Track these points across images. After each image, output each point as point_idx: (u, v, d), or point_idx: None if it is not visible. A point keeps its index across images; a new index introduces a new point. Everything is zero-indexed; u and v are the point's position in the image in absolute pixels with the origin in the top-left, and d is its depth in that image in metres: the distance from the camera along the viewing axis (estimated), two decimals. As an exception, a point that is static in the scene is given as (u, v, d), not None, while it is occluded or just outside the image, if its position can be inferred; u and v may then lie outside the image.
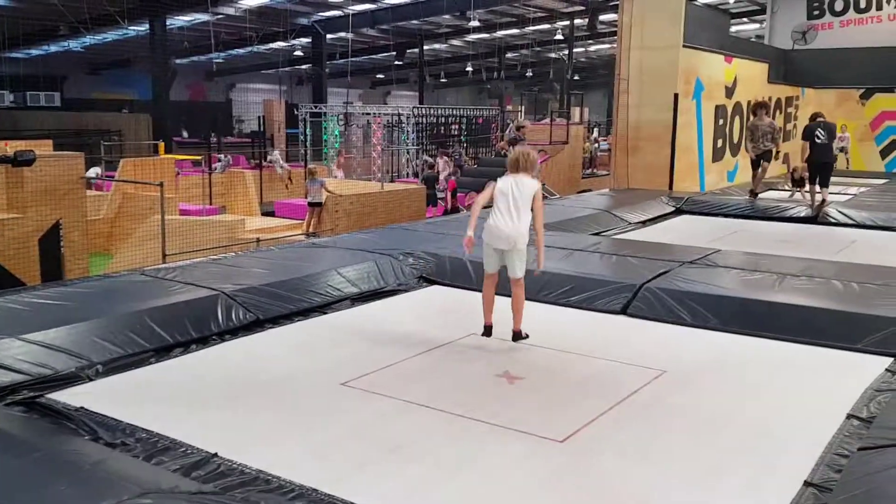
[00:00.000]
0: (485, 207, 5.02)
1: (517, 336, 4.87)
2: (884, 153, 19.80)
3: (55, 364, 4.23)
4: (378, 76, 46.47)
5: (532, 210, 4.81)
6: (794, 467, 3.33)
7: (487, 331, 4.90)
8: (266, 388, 4.27)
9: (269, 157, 20.75)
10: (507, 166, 4.97)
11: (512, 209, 4.73)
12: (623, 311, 5.82)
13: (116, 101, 33.67)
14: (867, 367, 4.63)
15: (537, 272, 4.91)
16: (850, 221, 10.17)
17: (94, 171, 17.61)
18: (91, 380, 4.27)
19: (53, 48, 31.70)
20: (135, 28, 26.03)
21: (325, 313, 5.79)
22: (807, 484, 3.19)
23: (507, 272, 4.93)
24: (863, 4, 19.74)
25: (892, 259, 7.41)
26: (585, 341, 5.21)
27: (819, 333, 5.14)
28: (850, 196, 13.46)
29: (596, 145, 27.91)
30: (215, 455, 3.31)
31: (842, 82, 19.40)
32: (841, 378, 4.51)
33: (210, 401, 4.08)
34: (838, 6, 20.03)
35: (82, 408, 3.81)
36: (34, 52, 31.73)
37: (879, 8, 19.47)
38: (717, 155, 14.99)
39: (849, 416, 3.87)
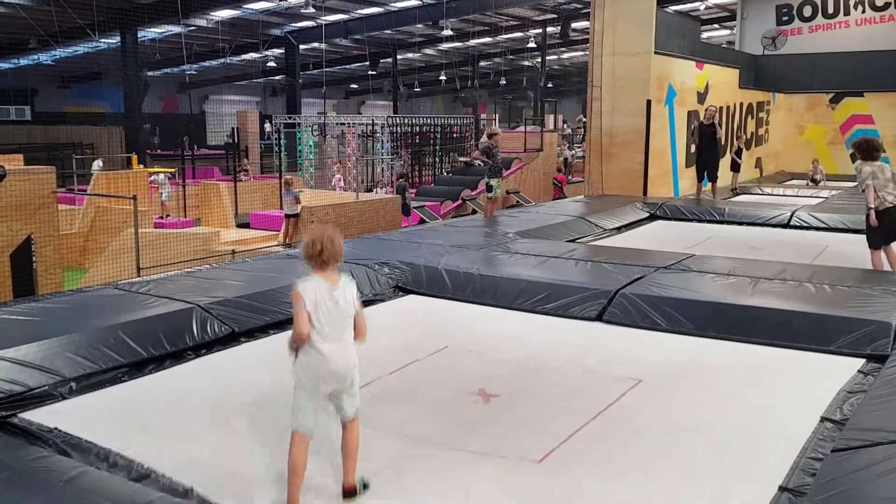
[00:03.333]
0: None
1: (352, 493, 3.22)
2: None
3: (27, 380, 4.17)
4: (352, 86, 46.47)
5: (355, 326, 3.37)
6: (769, 473, 3.36)
7: None
8: (240, 412, 4.15)
9: (151, 177, 18.17)
10: (307, 258, 3.32)
11: (337, 330, 3.26)
12: (599, 318, 5.85)
13: (88, 115, 33.35)
14: (840, 369, 4.69)
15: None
16: (822, 225, 10.30)
17: (97, 164, 17.52)
18: (65, 398, 4.21)
19: (23, 61, 31.35)
20: (106, 40, 25.81)
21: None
22: (782, 489, 3.22)
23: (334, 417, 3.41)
24: (831, 10, 20.09)
25: (864, 261, 7.52)
26: (561, 351, 5.19)
27: (793, 336, 5.20)
28: (822, 199, 13.66)
29: (571, 152, 28.07)
30: (190, 491, 3.25)
31: (812, 87, 19.73)
32: (814, 380, 4.56)
33: (184, 418, 4.01)
34: (807, 12, 20.38)
35: (56, 428, 3.75)
36: (4, 65, 31.32)
37: (847, 13, 19.83)
38: (691, 160, 15.13)
39: (822, 419, 3.92)
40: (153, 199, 17.42)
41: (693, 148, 13.34)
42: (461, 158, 21.96)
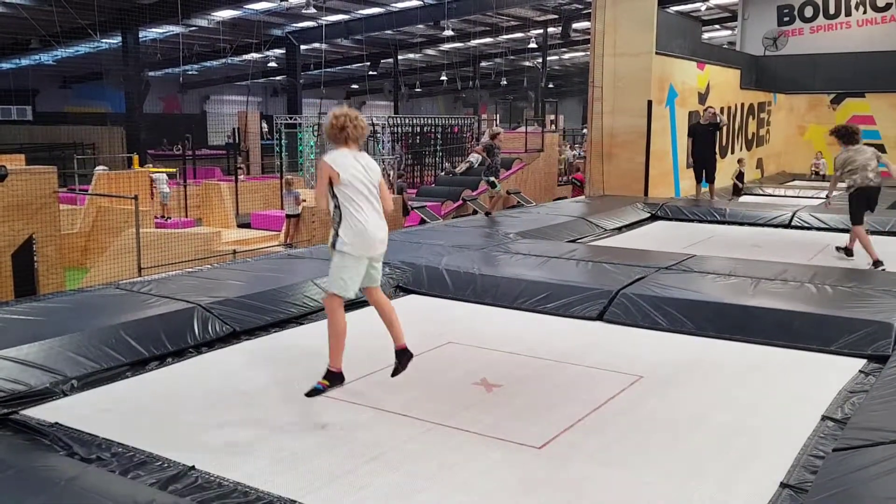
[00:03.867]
0: None
1: (405, 353, 3.61)
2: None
3: (29, 380, 4.18)
4: (353, 86, 46.47)
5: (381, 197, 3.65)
6: (769, 469, 3.37)
7: (337, 379, 3.54)
8: (242, 400, 4.24)
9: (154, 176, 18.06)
10: (328, 137, 3.57)
11: (371, 200, 3.47)
12: (599, 318, 5.85)
13: (89, 115, 33.38)
14: (841, 369, 4.70)
15: None
16: (823, 225, 10.30)
17: (101, 170, 17.59)
18: (66, 395, 4.22)
19: (25, 62, 31.38)
20: (107, 41, 25.83)
21: (302, 324, 5.76)
22: (783, 485, 3.22)
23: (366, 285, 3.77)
24: (832, 10, 20.10)
25: (865, 261, 7.52)
26: (562, 348, 5.22)
27: (794, 336, 5.20)
28: (823, 200, 13.64)
29: (573, 152, 28.08)
30: (192, 468, 3.28)
31: (813, 88, 19.73)
32: (815, 380, 4.57)
33: (187, 414, 4.04)
34: (808, 12, 20.38)
35: (57, 423, 3.77)
36: (5, 65, 31.36)
37: (848, 14, 19.83)
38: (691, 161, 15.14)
39: (823, 418, 3.92)
40: (155, 199, 17.45)
41: (688, 147, 13.30)
42: (476, 149, 21.55)
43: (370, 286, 3.55)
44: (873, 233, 9.88)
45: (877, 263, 7.50)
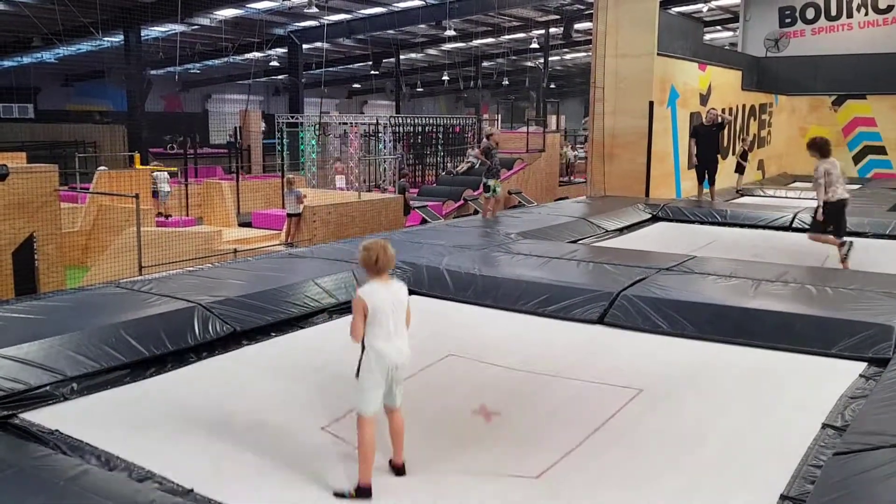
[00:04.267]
0: None
1: (401, 470, 3.64)
2: (856, 159, 20.08)
3: (29, 379, 4.18)
4: (355, 86, 46.47)
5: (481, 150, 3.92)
6: (770, 481, 3.35)
7: (366, 493, 3.46)
8: (242, 420, 4.11)
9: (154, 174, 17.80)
10: (364, 267, 3.76)
11: (398, 327, 3.62)
12: (600, 320, 5.84)
13: (91, 113, 33.40)
14: (842, 373, 4.68)
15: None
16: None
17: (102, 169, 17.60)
18: (66, 399, 4.21)
19: (27, 60, 31.36)
20: (109, 39, 25.81)
21: (303, 326, 5.76)
22: (783, 497, 3.21)
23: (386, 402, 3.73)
24: (834, 12, 20.08)
25: (865, 264, 7.52)
26: (563, 359, 5.12)
27: (794, 339, 5.19)
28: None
29: (574, 153, 28.10)
30: (191, 491, 3.25)
31: (814, 89, 19.71)
32: (816, 385, 4.55)
33: (188, 425, 3.99)
34: (810, 14, 20.36)
35: (57, 430, 3.75)
36: (7, 63, 31.36)
37: (850, 16, 19.81)
38: (692, 162, 15.13)
39: (824, 426, 3.90)
40: (159, 198, 17.46)
41: (689, 148, 13.28)
42: (475, 152, 21.54)
43: (388, 405, 3.66)
44: (873, 236, 9.91)
45: (843, 260, 7.89)
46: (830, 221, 8.08)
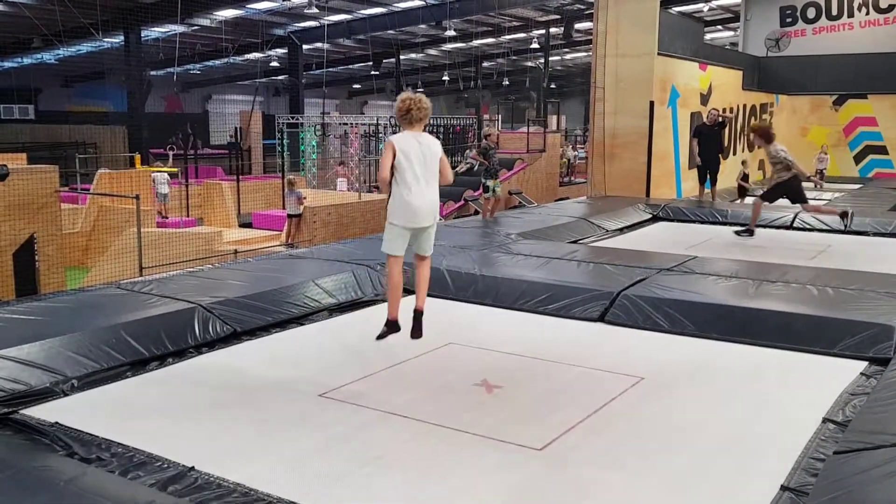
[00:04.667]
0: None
1: (419, 316, 4.19)
2: (857, 158, 20.10)
3: (29, 379, 4.18)
4: (355, 86, 46.48)
5: (440, 172, 4.11)
6: (770, 472, 3.36)
7: (394, 326, 4.11)
8: (243, 401, 4.23)
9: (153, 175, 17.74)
10: (397, 117, 4.05)
11: (424, 176, 3.96)
12: (600, 319, 5.84)
13: (91, 114, 33.40)
14: (843, 372, 4.68)
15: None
16: (825, 227, 10.28)
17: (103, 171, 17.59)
18: (66, 395, 4.22)
19: (27, 61, 31.38)
20: (109, 40, 25.84)
21: (303, 325, 5.76)
22: (783, 488, 3.21)
23: (413, 250, 4.29)
24: (835, 12, 20.09)
25: (866, 264, 7.52)
26: (563, 349, 5.21)
27: (795, 338, 5.19)
28: (825, 201, 13.63)
29: (574, 153, 28.10)
30: (192, 469, 3.28)
31: (815, 89, 19.72)
32: (817, 382, 4.55)
33: (187, 414, 4.03)
34: (810, 14, 20.37)
35: (57, 423, 3.76)
36: (7, 64, 31.37)
37: (851, 15, 19.83)
38: (694, 162, 15.12)
39: (825, 420, 3.91)
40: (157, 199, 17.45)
41: (691, 148, 13.28)
42: (472, 154, 21.29)
43: (418, 253, 4.17)
44: (874, 234, 9.92)
45: (750, 232, 9.28)
46: (782, 192, 9.34)
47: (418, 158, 3.92)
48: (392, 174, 3.99)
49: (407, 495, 3.19)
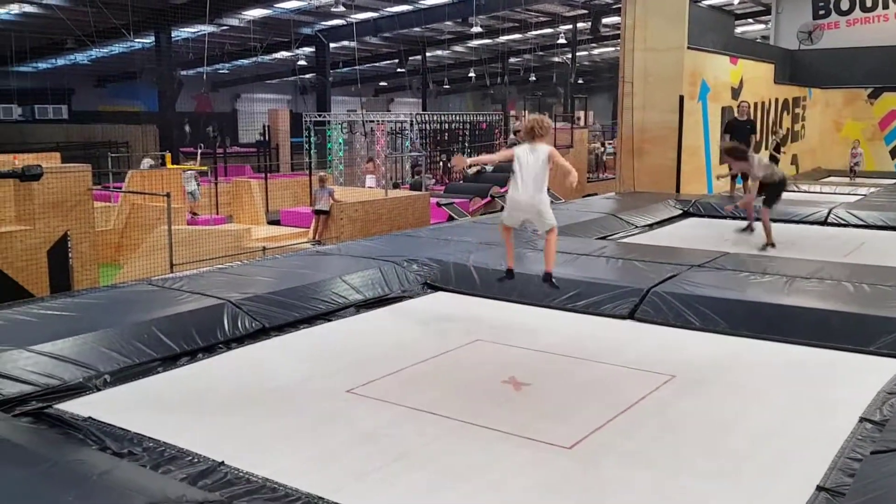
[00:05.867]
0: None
1: (548, 277, 5.22)
2: (893, 153, 19.71)
3: (63, 374, 4.23)
4: (381, 84, 46.58)
5: (552, 168, 5.07)
6: (806, 471, 3.29)
7: (510, 274, 5.41)
8: (272, 396, 4.25)
9: (184, 177, 17.60)
10: (524, 134, 5.19)
11: (529, 180, 4.97)
12: (630, 316, 5.78)
13: (123, 113, 33.85)
14: (880, 370, 4.58)
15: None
16: (860, 222, 10.10)
17: (146, 163, 17.86)
18: (99, 390, 4.27)
19: (61, 62, 31.87)
20: (141, 40, 26.15)
21: (330, 321, 5.78)
22: (819, 488, 3.15)
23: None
24: (869, 3, 19.70)
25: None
26: (593, 346, 5.17)
27: (830, 336, 5.09)
28: (860, 196, 13.40)
29: (602, 149, 27.91)
30: (222, 463, 3.30)
31: (849, 82, 19.36)
32: (853, 381, 4.47)
33: (217, 409, 4.06)
34: (844, 5, 19.99)
35: (90, 417, 3.81)
36: (42, 65, 31.89)
37: (886, 7, 19.41)
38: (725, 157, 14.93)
39: (861, 420, 3.83)
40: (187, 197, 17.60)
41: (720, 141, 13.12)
42: (469, 170, 19.91)
43: (538, 231, 5.37)
44: (883, 228, 9.74)
45: (771, 246, 8.77)
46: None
47: (526, 164, 4.98)
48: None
49: (434, 492, 3.18)
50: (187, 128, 33.44)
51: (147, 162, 18.38)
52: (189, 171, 18.16)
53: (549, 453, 3.53)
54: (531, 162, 4.95)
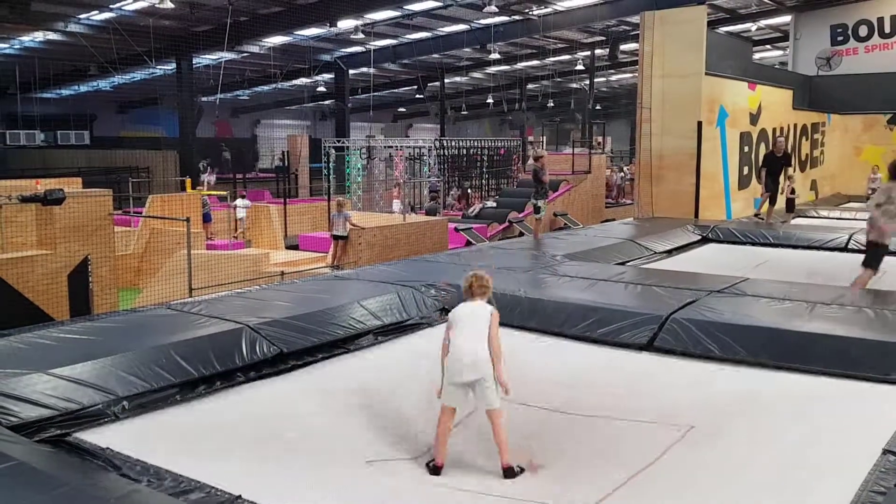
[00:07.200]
0: None
1: (510, 473, 3.93)
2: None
3: (82, 399, 4.25)
4: (400, 110, 46.92)
5: (489, 337, 4.13)
6: (829, 504, 3.23)
7: (436, 471, 3.92)
8: (289, 430, 4.21)
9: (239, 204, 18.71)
10: (464, 291, 4.40)
11: (470, 336, 4.09)
12: (650, 343, 5.73)
13: (144, 139, 34.27)
14: (903, 399, 4.51)
15: (508, 393, 4.10)
16: (881, 248, 9.98)
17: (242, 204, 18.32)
18: (117, 416, 4.28)
19: (83, 88, 32.39)
20: (162, 67, 26.53)
21: (349, 348, 5.77)
22: (844, 521, 3.09)
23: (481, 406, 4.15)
24: (887, 30, 19.67)
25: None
26: (611, 390, 4.98)
27: (852, 364, 5.02)
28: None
29: (620, 174, 27.88)
30: (239, 498, 3.27)
31: (868, 108, 19.26)
32: (875, 411, 4.39)
33: (235, 442, 4.04)
34: (862, 32, 19.97)
35: (108, 448, 3.81)
36: (65, 91, 32.44)
37: (904, 33, 19.38)
38: (744, 182, 14.88)
39: (885, 452, 3.75)
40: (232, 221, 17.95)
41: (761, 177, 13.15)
42: (473, 208, 20.56)
43: (480, 405, 4.12)
44: None
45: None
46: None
47: (466, 322, 4.19)
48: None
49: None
50: (227, 154, 33.87)
51: (242, 203, 18.93)
52: (240, 200, 18.58)
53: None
54: (472, 320, 4.14)
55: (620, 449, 4.16)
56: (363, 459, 3.83)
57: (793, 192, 15.16)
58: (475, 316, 4.20)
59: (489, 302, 4.39)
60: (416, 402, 4.70)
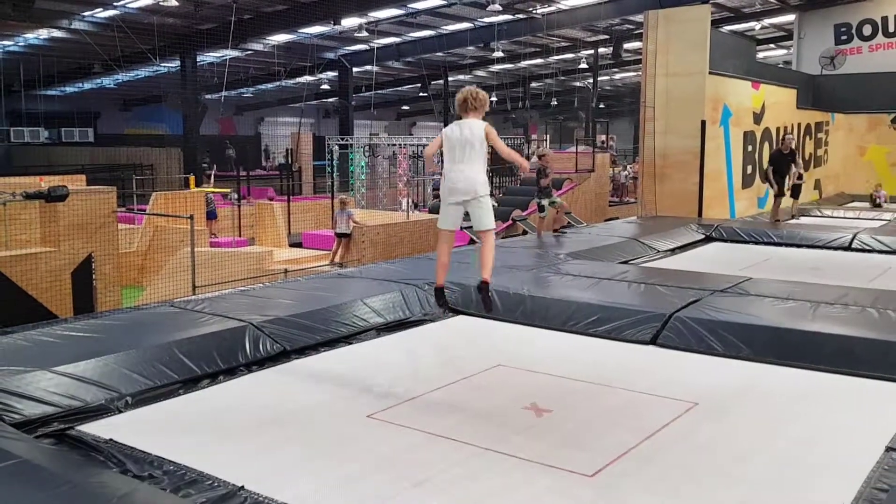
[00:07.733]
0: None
1: (484, 286, 4.42)
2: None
3: (85, 396, 4.26)
4: (403, 107, 46.93)
5: (490, 149, 4.44)
6: (831, 502, 3.23)
7: (439, 294, 4.42)
8: (292, 420, 4.25)
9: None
10: (457, 106, 4.49)
11: (463, 156, 4.29)
12: (652, 341, 5.73)
13: (148, 136, 34.33)
14: (906, 398, 4.51)
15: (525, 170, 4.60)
16: (885, 248, 9.98)
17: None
18: (120, 411, 4.29)
19: (87, 85, 32.44)
20: (166, 65, 26.56)
21: (351, 344, 5.78)
22: (846, 519, 3.09)
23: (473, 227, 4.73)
24: (892, 29, 19.63)
25: None
26: (614, 372, 5.12)
27: (855, 363, 5.01)
28: (885, 222, 13.26)
29: (625, 173, 27.85)
30: (242, 488, 3.29)
31: (872, 107, 19.24)
32: (878, 409, 4.39)
33: (238, 433, 4.06)
34: (866, 31, 19.94)
35: (111, 440, 3.83)
36: (69, 89, 32.50)
37: (908, 32, 19.33)
38: (747, 181, 14.87)
39: (888, 449, 3.75)
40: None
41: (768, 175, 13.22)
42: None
43: (475, 228, 4.45)
44: None
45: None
46: None
47: (459, 141, 4.30)
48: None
49: (455, 519, 3.15)
50: (231, 152, 33.90)
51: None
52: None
53: (571, 481, 3.48)
54: (465, 136, 4.27)
55: (626, 417, 4.32)
56: (363, 448, 3.84)
57: (800, 177, 15.10)
58: (467, 140, 4.28)
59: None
60: (416, 380, 4.80)
